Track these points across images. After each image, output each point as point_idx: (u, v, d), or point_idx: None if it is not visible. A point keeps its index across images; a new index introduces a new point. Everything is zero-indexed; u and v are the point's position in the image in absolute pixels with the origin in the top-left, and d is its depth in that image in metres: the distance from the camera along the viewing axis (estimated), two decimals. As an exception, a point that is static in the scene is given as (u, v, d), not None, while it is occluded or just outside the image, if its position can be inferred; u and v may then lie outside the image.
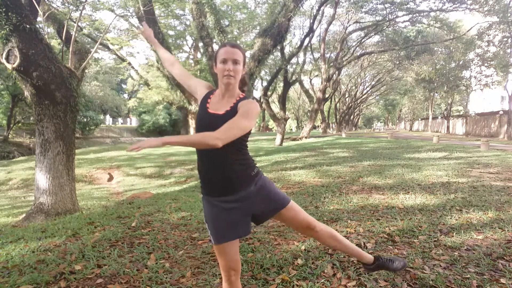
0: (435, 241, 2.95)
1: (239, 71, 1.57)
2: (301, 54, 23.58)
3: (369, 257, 1.88)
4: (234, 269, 1.64)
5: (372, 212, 4.03)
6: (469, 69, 29.23)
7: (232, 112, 1.53)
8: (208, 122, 1.55)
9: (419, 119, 50.08)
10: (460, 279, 2.25)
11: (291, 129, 59.17)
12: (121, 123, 54.32)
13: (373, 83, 43.36)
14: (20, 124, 26.83)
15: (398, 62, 29.24)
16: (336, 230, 3.35)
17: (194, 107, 12.97)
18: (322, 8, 19.35)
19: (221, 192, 1.58)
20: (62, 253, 2.95)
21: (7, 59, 4.99)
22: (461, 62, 28.13)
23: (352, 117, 53.21)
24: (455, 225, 3.35)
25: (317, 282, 2.28)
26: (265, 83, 26.93)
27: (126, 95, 51.82)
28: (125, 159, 16.02)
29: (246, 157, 1.60)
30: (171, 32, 21.97)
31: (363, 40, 27.41)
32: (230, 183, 1.56)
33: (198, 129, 1.57)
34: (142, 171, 13.18)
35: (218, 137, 1.35)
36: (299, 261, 2.60)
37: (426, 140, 18.22)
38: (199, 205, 4.90)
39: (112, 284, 2.36)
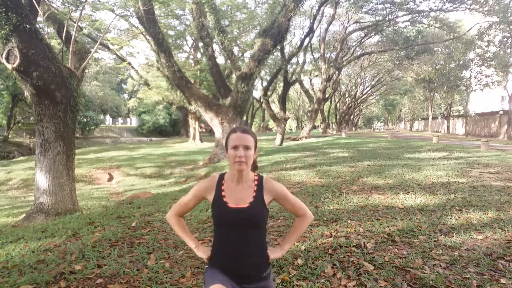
0: (435, 241, 2.95)
1: (251, 156, 1.52)
2: (301, 54, 23.56)
3: None
4: None
5: (372, 212, 4.03)
6: (469, 69, 29.21)
7: (257, 202, 1.52)
8: (233, 218, 1.49)
9: (419, 119, 50.06)
10: (460, 279, 2.25)
11: (291, 129, 59.18)
12: (121, 123, 54.32)
13: (373, 83, 43.37)
14: (20, 124, 26.82)
15: (398, 62, 29.23)
16: (336, 230, 3.35)
17: (194, 107, 12.96)
18: (322, 8, 19.35)
19: (246, 275, 1.50)
20: (62, 253, 2.95)
21: (7, 59, 4.99)
22: (461, 62, 28.11)
23: (352, 117, 53.23)
24: (455, 225, 3.35)
25: (317, 282, 2.28)
26: (265, 83, 26.95)
27: (126, 95, 51.85)
28: (125, 159, 16.03)
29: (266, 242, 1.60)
30: (171, 32, 21.93)
31: (363, 40, 27.41)
32: (256, 266, 1.51)
33: (223, 226, 1.52)
34: (142, 171, 13.19)
35: (310, 214, 1.64)
36: (299, 261, 2.60)
37: (426, 140, 18.21)
38: (199, 205, 4.89)
39: (112, 284, 2.35)
